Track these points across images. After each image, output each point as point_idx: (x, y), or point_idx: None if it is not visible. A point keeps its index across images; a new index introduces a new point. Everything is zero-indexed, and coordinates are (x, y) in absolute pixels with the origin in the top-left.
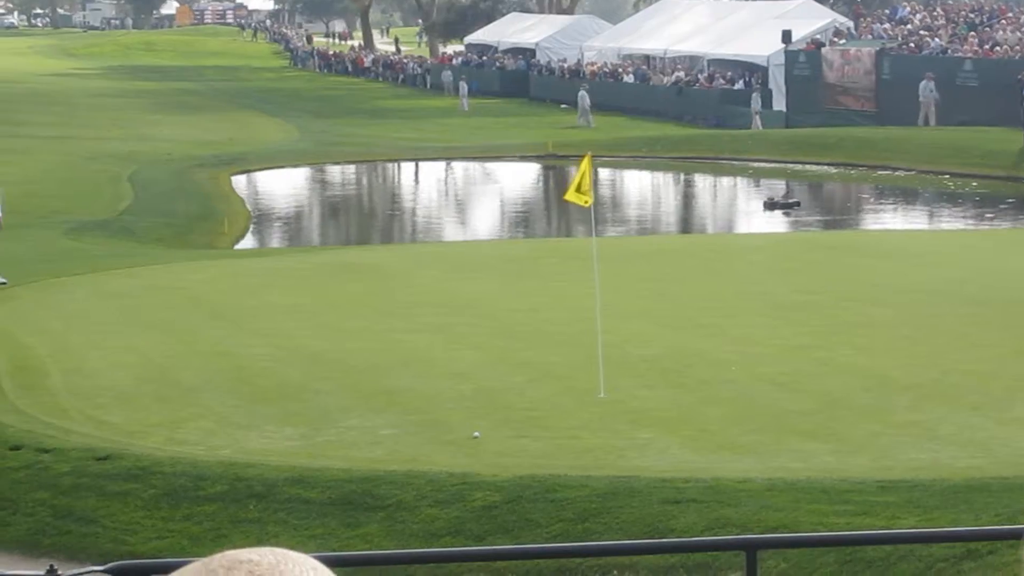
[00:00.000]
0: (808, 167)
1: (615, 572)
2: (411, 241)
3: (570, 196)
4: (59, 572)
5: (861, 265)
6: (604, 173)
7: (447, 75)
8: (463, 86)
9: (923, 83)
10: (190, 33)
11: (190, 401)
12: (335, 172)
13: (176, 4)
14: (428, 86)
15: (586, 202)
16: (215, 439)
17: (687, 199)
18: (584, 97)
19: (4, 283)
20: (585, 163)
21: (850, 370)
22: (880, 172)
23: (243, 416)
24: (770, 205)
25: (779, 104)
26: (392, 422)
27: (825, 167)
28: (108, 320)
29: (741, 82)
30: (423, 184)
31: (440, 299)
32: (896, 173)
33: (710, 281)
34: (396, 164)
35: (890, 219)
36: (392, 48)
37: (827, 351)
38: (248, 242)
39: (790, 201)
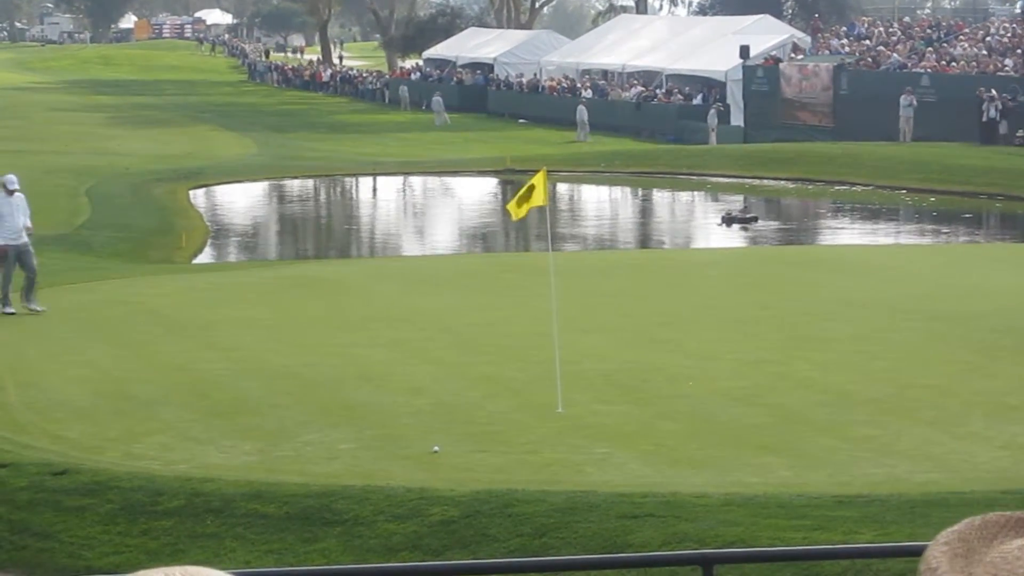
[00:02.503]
0: (766, 182)
1: None
2: (369, 256)
3: (510, 206)
4: None
5: (819, 280)
6: (562, 188)
7: (403, 90)
8: (438, 101)
9: (903, 97)
10: (148, 47)
11: (147, 415)
12: (293, 187)
13: (134, 18)
14: (386, 100)
15: (517, 215)
16: (172, 454)
17: (645, 214)
18: (582, 111)
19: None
20: (539, 177)
21: (808, 384)
22: (838, 187)
23: (201, 431)
24: (728, 220)
25: (737, 119)
26: (350, 437)
27: (783, 182)
28: (65, 334)
29: (699, 97)
30: (382, 199)
31: (398, 313)
32: (854, 188)
33: (668, 296)
34: (355, 179)
35: (848, 234)
36: (345, 63)
37: (785, 366)
38: (206, 256)
39: (747, 216)
